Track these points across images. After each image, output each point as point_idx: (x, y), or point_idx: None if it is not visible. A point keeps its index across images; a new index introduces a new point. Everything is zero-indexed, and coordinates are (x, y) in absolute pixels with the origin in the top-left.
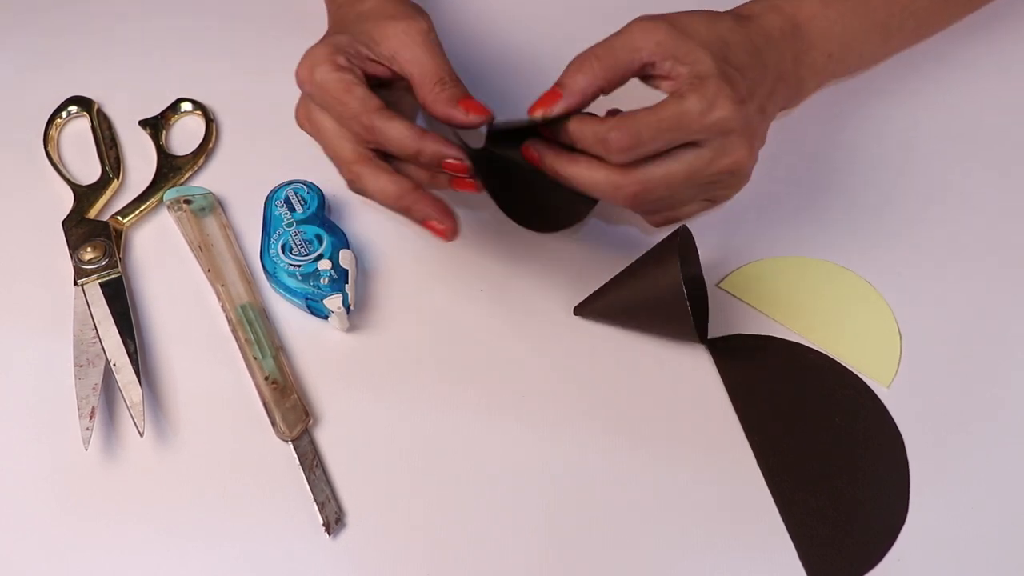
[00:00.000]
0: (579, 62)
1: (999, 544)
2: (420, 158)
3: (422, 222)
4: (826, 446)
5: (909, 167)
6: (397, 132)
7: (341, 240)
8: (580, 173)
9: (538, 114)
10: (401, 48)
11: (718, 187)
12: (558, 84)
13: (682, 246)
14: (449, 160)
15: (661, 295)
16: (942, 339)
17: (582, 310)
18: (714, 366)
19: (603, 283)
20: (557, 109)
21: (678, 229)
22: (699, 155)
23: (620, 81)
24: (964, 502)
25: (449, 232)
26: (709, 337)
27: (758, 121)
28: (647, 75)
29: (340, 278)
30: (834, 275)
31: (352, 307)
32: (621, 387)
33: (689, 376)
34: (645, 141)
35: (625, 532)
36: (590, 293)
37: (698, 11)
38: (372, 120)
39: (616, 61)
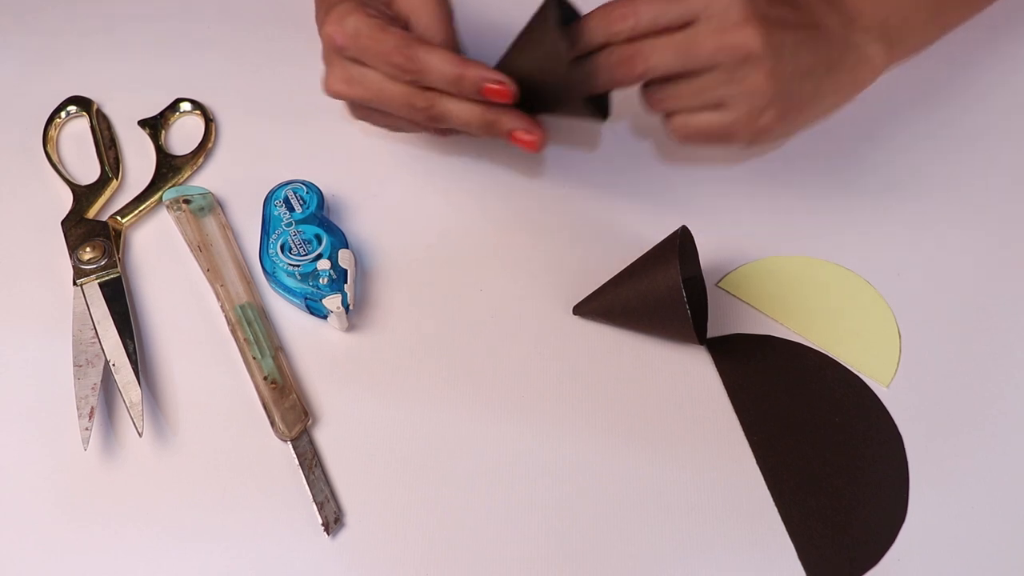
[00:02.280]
0: None
1: (999, 544)
2: (462, 83)
3: (509, 135)
4: (825, 446)
5: (909, 167)
6: (439, 59)
7: (340, 240)
8: (597, 61)
9: None
10: (417, 8)
11: (727, 84)
12: None
13: (682, 246)
14: (491, 85)
15: (660, 296)
16: (941, 339)
17: (581, 310)
18: (713, 366)
19: (602, 283)
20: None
21: (678, 229)
22: (696, 28)
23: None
24: (963, 502)
25: (538, 143)
26: (708, 337)
27: (774, 24)
28: None
29: (339, 278)
30: (833, 274)
31: (351, 307)
32: (621, 387)
33: (689, 376)
34: (640, 10)
35: (625, 532)
36: (589, 293)
37: None
38: (414, 51)
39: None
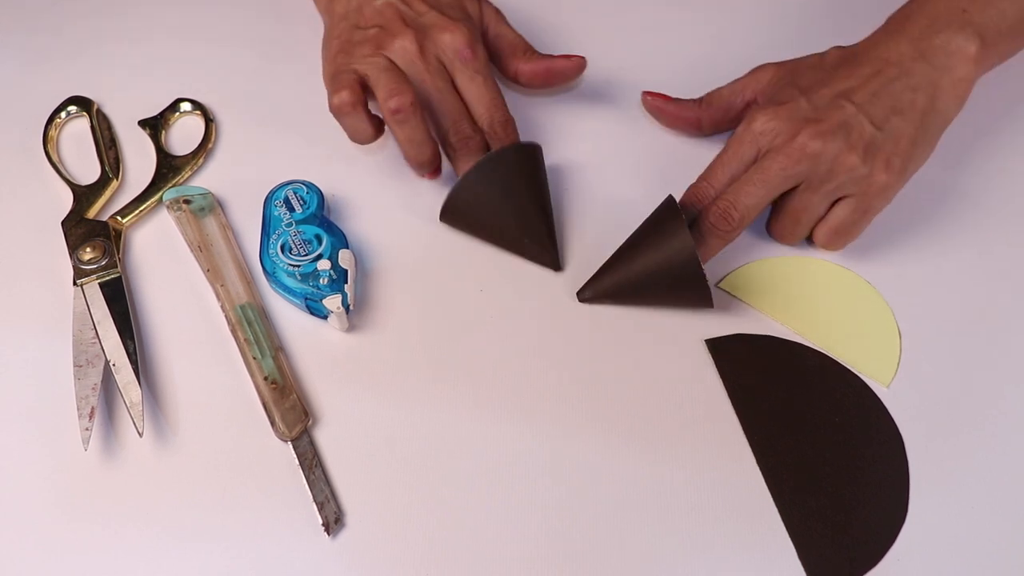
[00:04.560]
0: (700, 99)
1: (998, 544)
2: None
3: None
4: (825, 446)
5: None
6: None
7: (340, 240)
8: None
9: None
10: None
11: (825, 180)
12: (677, 100)
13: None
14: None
15: (672, 263)
16: (941, 339)
17: (586, 294)
18: (713, 366)
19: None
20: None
21: (667, 198)
22: (761, 159)
23: (727, 120)
24: (963, 501)
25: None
26: (709, 337)
27: (822, 114)
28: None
29: (339, 278)
30: (834, 275)
31: (351, 307)
32: (621, 387)
33: (689, 376)
34: (712, 175)
35: (625, 531)
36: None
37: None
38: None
39: (722, 99)
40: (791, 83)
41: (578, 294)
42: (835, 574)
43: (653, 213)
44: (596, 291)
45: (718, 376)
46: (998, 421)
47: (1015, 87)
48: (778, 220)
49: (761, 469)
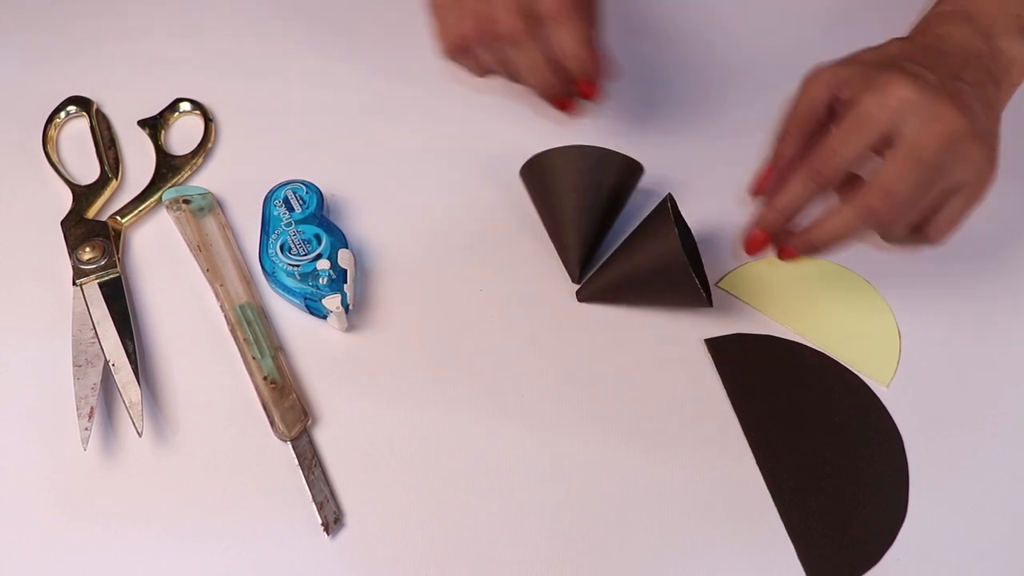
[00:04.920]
0: (779, 138)
1: (998, 543)
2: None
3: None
4: (825, 445)
5: None
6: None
7: (340, 240)
8: (827, 225)
9: (761, 196)
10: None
11: (953, 171)
12: (769, 162)
13: (673, 212)
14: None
15: (661, 263)
16: (941, 338)
17: (584, 292)
18: (713, 366)
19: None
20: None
21: (665, 197)
22: (903, 142)
23: (815, 130)
24: (963, 501)
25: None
26: (708, 337)
27: (953, 91)
28: (839, 114)
29: (339, 278)
30: (833, 275)
31: (351, 307)
32: (621, 387)
33: (689, 376)
34: (838, 150)
35: (625, 532)
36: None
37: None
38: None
39: (802, 118)
40: (892, 61)
41: (577, 294)
42: (835, 574)
43: (651, 212)
44: (593, 291)
45: (718, 376)
46: (998, 421)
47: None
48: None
49: (760, 469)
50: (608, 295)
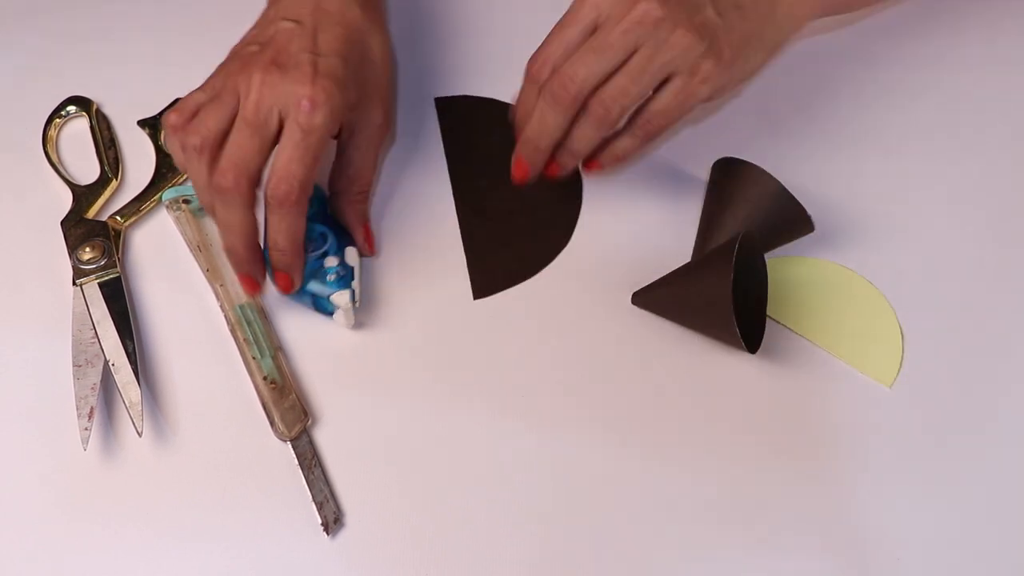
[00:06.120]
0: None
1: (999, 544)
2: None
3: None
4: (517, 192)
5: (910, 166)
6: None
7: (346, 237)
8: (535, 121)
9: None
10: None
11: (657, 53)
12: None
13: (747, 249)
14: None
15: (708, 296)
16: (944, 338)
17: (639, 299)
18: (713, 368)
19: (661, 276)
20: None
21: (740, 235)
22: (601, 28)
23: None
24: (965, 501)
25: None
26: (436, 97)
27: (693, 11)
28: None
29: (347, 275)
30: (836, 275)
31: (358, 303)
32: (621, 388)
33: (690, 375)
34: (551, 39)
35: (626, 533)
36: (647, 283)
37: None
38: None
39: (567, 27)
40: None
41: (632, 298)
42: (493, 281)
43: (721, 245)
44: (645, 301)
45: (718, 378)
46: (999, 421)
47: (1015, 84)
48: (599, 100)
49: (457, 206)
50: (658, 309)
